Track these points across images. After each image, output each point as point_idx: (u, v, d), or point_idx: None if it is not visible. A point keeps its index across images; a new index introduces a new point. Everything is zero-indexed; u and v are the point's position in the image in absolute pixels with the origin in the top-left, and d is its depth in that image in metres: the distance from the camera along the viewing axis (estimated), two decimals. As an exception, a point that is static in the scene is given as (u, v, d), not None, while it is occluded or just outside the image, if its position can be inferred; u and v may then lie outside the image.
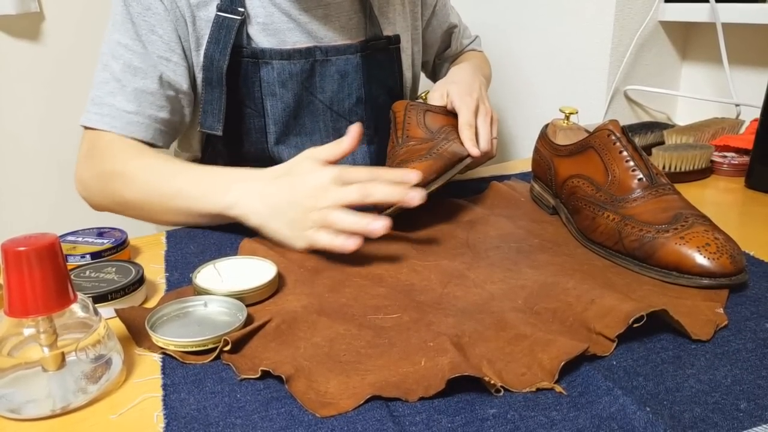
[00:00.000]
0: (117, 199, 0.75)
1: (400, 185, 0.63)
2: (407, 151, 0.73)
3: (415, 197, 0.62)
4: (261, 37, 0.83)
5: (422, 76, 1.16)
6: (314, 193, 0.62)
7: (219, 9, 0.80)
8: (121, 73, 0.77)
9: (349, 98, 0.89)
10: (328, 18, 0.86)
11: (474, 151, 0.74)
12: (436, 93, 0.82)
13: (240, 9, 0.80)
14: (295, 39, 0.85)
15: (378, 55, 0.90)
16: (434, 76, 1.16)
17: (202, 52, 0.81)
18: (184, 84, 0.81)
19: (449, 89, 0.81)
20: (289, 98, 0.85)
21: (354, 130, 0.66)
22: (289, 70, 0.84)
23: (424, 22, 1.01)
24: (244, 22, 0.81)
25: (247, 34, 0.83)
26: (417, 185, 0.64)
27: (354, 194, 0.61)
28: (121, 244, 0.64)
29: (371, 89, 0.90)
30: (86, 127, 0.79)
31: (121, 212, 0.77)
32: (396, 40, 0.93)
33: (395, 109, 0.80)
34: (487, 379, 0.42)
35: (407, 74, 0.98)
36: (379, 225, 0.59)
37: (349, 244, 0.60)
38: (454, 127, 0.78)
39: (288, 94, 0.85)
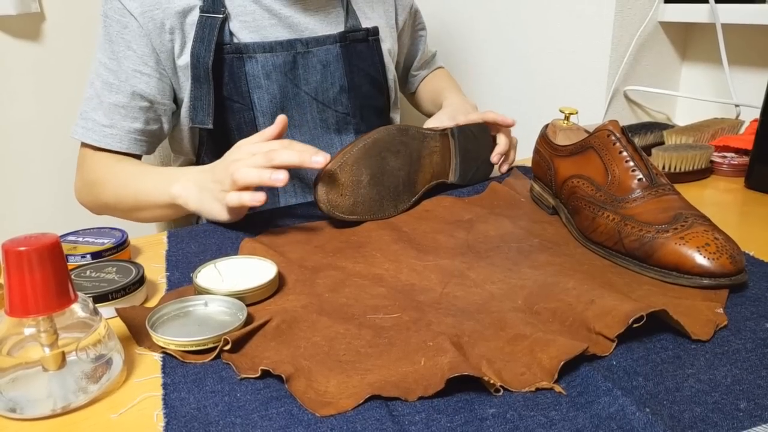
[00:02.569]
0: (99, 203, 0.87)
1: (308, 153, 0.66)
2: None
3: (320, 161, 0.65)
4: (243, 33, 0.87)
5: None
6: (228, 166, 0.68)
7: (202, 10, 0.84)
8: (101, 90, 0.85)
9: (332, 87, 0.91)
10: (308, 12, 0.90)
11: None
12: (432, 122, 0.87)
13: (222, 8, 0.85)
14: (276, 34, 0.88)
15: (358, 46, 0.93)
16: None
17: (188, 54, 0.85)
18: (158, 95, 0.86)
19: (441, 116, 0.88)
20: (274, 90, 0.88)
21: (279, 119, 0.70)
22: (272, 62, 0.87)
23: (401, 22, 1.05)
24: (226, 20, 0.85)
25: (230, 31, 0.86)
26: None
27: (260, 159, 0.66)
28: (122, 244, 0.64)
29: (354, 78, 0.93)
30: (83, 144, 0.88)
31: (108, 213, 0.88)
32: (375, 31, 0.95)
33: None
34: (486, 378, 0.42)
35: (390, 67, 1.00)
36: (279, 176, 0.64)
37: (257, 197, 0.65)
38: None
39: (273, 85, 0.88)
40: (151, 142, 0.89)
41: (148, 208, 0.81)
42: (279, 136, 0.70)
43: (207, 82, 0.84)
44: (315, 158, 0.64)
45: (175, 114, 0.90)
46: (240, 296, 0.54)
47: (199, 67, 0.84)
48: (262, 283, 0.55)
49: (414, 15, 1.11)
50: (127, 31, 0.83)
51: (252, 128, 0.88)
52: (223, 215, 0.71)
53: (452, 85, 1.14)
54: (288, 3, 0.88)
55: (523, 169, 0.89)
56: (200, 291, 0.55)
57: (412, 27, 1.12)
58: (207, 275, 0.58)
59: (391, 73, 1.00)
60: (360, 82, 0.94)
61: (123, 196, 0.82)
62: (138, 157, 0.90)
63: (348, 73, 0.92)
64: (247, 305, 0.53)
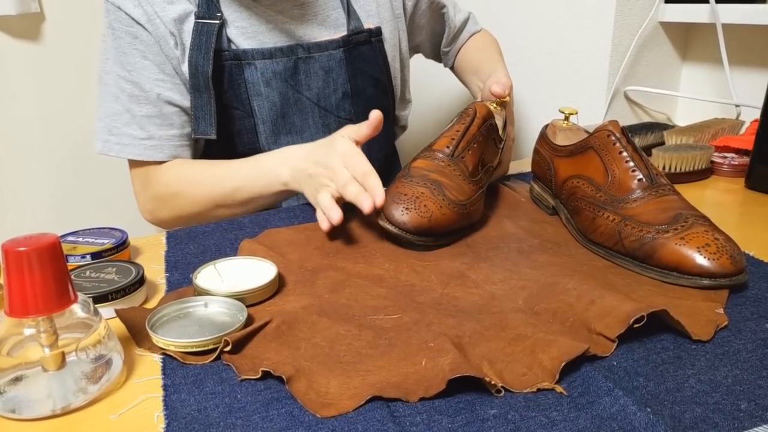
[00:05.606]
0: (181, 215, 0.85)
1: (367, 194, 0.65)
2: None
3: (366, 205, 0.64)
4: (241, 40, 0.85)
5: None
6: (323, 171, 0.70)
7: (197, 17, 0.82)
8: (129, 104, 0.83)
9: (335, 93, 0.90)
10: (305, 17, 0.88)
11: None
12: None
13: (217, 14, 0.83)
14: (275, 40, 0.87)
15: (361, 49, 0.91)
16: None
17: (187, 62, 0.83)
18: (184, 100, 0.85)
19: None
20: (275, 97, 0.87)
21: (374, 120, 0.69)
22: (272, 69, 0.86)
23: (409, 7, 1.01)
24: (222, 26, 0.84)
25: (228, 38, 0.85)
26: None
27: (339, 187, 0.68)
28: (122, 245, 0.64)
29: (357, 83, 0.91)
30: (131, 163, 0.87)
31: (191, 223, 0.86)
32: (377, 32, 0.93)
33: (474, 109, 0.72)
34: (487, 379, 0.42)
35: (394, 65, 0.98)
36: (334, 217, 0.66)
37: (323, 224, 0.68)
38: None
39: (273, 92, 0.86)
40: (192, 145, 0.88)
41: (252, 201, 0.81)
42: (373, 135, 0.70)
43: (207, 92, 0.82)
44: (366, 204, 0.64)
45: None
46: (240, 297, 0.54)
47: (198, 77, 0.82)
48: (262, 284, 0.55)
49: None
50: (139, 41, 0.81)
51: (252, 135, 0.88)
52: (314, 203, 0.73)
53: (494, 64, 1.01)
54: (282, 10, 0.87)
55: (520, 176, 0.88)
56: (200, 292, 0.55)
57: (430, 8, 1.05)
58: (207, 276, 0.58)
59: (396, 71, 0.98)
60: (364, 86, 0.92)
61: (217, 199, 0.82)
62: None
63: (351, 78, 0.90)
64: (247, 306, 0.53)
